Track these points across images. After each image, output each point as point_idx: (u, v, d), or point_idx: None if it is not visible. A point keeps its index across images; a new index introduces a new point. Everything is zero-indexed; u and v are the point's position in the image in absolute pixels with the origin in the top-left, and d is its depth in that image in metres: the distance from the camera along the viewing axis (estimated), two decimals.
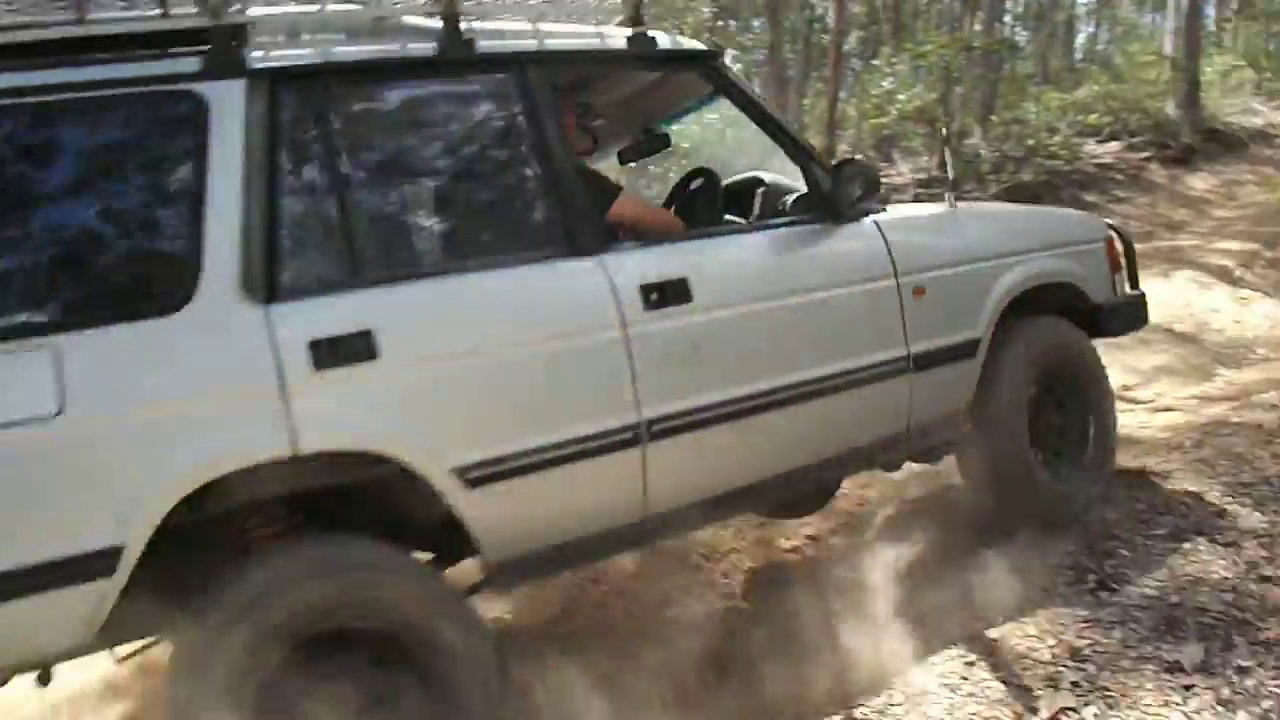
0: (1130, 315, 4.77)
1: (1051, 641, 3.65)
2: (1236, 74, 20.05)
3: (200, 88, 2.79)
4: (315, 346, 2.75)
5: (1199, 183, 15.24)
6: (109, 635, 2.65)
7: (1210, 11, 25.39)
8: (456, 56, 3.17)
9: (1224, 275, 10.06)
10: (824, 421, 3.64)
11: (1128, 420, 6.07)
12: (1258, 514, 4.68)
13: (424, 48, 3.14)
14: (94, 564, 2.47)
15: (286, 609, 2.60)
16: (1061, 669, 3.49)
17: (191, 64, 2.81)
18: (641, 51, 3.54)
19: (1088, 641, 3.62)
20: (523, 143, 3.27)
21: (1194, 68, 16.87)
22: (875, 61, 17.78)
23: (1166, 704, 3.28)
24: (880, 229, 3.85)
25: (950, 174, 5.98)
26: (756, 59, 21.09)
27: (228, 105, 2.80)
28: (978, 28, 17.65)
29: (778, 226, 3.75)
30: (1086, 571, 4.14)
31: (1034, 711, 3.29)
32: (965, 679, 3.47)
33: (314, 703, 2.60)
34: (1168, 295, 8.89)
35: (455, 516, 2.92)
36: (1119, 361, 6.47)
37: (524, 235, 3.29)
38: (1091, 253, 4.56)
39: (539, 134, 3.23)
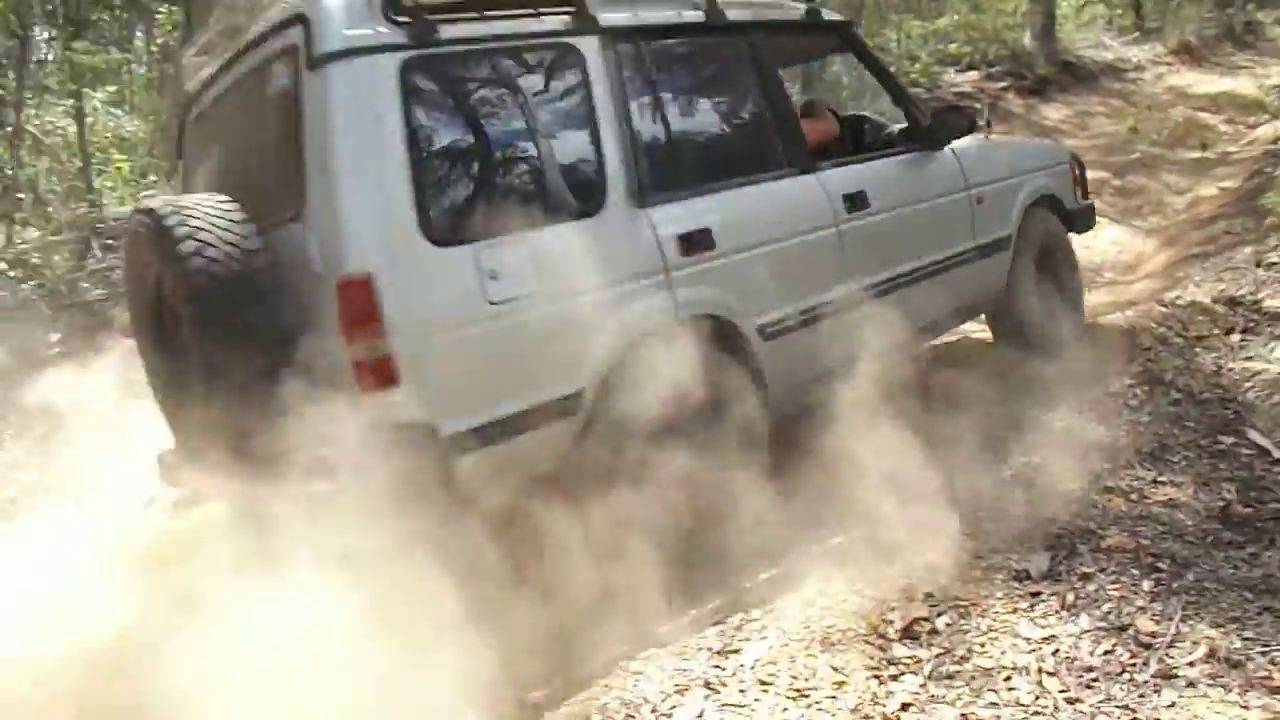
0: (1086, 218, 6.27)
1: (905, 555, 3.69)
2: (1089, 9, 20.70)
3: (575, 41, 3.67)
4: (682, 239, 3.78)
5: (1053, 113, 15.68)
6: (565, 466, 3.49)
7: None
8: (716, 23, 4.24)
9: None
10: (936, 291, 4.97)
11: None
12: (1102, 428, 4.85)
13: (696, 15, 4.20)
14: (566, 405, 3.40)
15: None
16: (915, 581, 3.53)
17: (564, 21, 3.67)
18: (814, 20, 4.88)
19: (939, 555, 3.66)
20: (765, 85, 4.38)
21: (1050, 2, 17.25)
22: None
23: (1015, 610, 3.35)
24: (956, 156, 5.15)
25: (986, 116, 7.08)
26: None
27: (593, 56, 3.70)
28: None
29: (903, 154, 5.00)
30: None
31: (889, 622, 3.32)
32: (822, 592, 3.48)
33: None
34: None
35: (757, 362, 3.99)
36: None
37: (777, 158, 4.33)
38: (1063, 171, 6.02)
39: (773, 80, 4.46)
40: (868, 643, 3.22)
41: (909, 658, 3.17)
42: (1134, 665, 3.04)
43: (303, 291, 3.10)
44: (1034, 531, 3.85)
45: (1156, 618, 3.25)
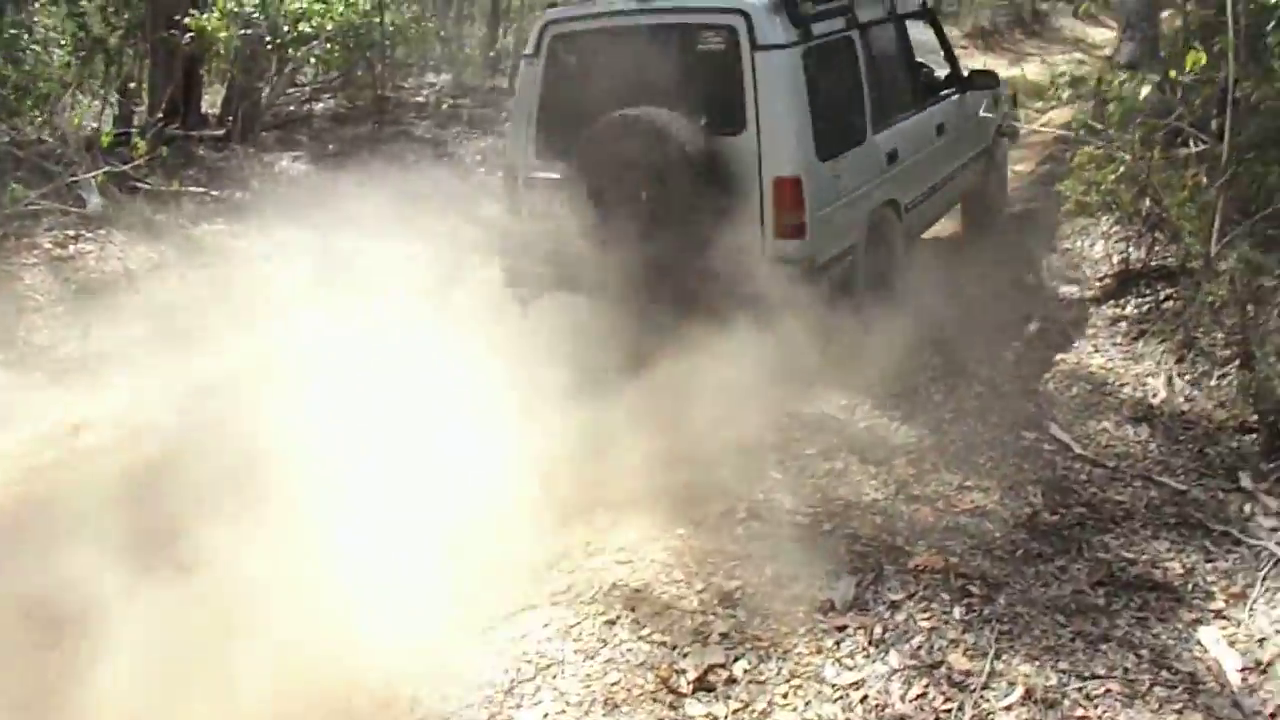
0: (1014, 130, 8.20)
1: (700, 586, 3.30)
2: None
3: (852, 35, 5.64)
4: (889, 155, 5.73)
5: None
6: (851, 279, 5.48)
7: None
8: (894, 15, 6.26)
9: None
10: (967, 176, 7.24)
11: None
12: (905, 427, 4.62)
13: (886, 10, 6.16)
14: (854, 248, 5.41)
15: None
16: (711, 618, 3.15)
17: (847, 21, 5.62)
18: (925, 7, 7.05)
19: (738, 583, 3.30)
20: (909, 52, 6.47)
21: None
22: None
23: (819, 651, 3.01)
24: (973, 98, 6.94)
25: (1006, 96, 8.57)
26: None
27: (858, 43, 5.69)
28: None
29: (954, 95, 6.94)
30: (737, 499, 3.84)
31: (681, 672, 2.91)
32: (604, 641, 3.03)
33: None
34: None
35: (907, 222, 6.06)
36: None
37: (912, 100, 6.36)
38: (1003, 95, 7.93)
39: (911, 48, 6.50)
40: (657, 700, 2.81)
41: (705, 716, 2.76)
42: (948, 713, 2.74)
43: (741, 179, 4.97)
44: (838, 549, 3.52)
45: (970, 652, 2.97)
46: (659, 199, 4.88)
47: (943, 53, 7.22)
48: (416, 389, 4.32)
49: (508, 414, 4.14)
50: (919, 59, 6.66)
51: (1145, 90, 5.05)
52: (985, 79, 7.20)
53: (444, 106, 12.34)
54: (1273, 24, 5.18)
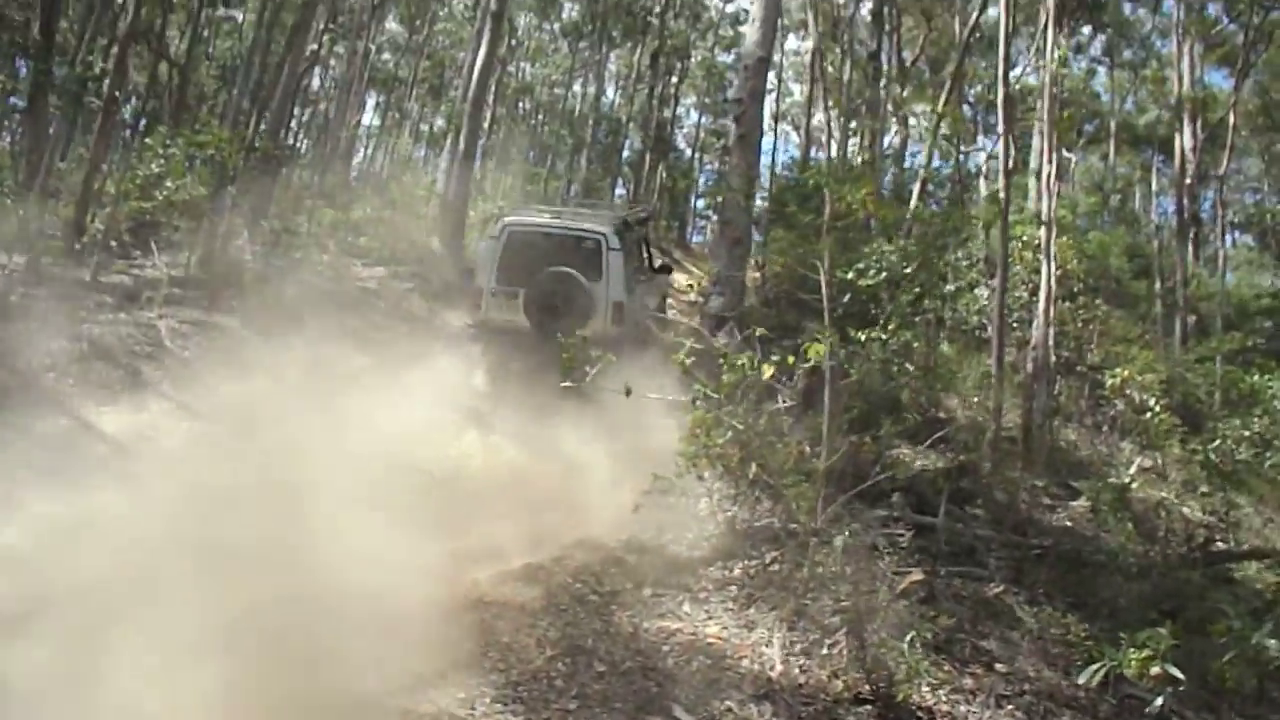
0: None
1: None
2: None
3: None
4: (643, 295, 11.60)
5: (454, 319, 15.80)
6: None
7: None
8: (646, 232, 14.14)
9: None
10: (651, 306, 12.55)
11: None
12: None
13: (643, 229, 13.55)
14: (636, 329, 11.21)
15: None
16: None
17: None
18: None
19: None
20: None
21: (461, 210, 17.78)
22: (149, 140, 15.75)
23: None
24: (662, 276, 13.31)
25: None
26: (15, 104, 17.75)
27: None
28: (263, 128, 16.75)
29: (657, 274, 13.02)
30: None
31: None
32: None
33: None
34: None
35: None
36: None
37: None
38: (669, 278, 14.76)
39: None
40: None
41: None
42: None
43: (600, 299, 9.78)
44: None
45: None
46: (564, 303, 9.67)
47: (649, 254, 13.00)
48: None
49: None
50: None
51: (768, 373, 5.24)
52: (664, 269, 13.79)
53: (12, 298, 10.64)
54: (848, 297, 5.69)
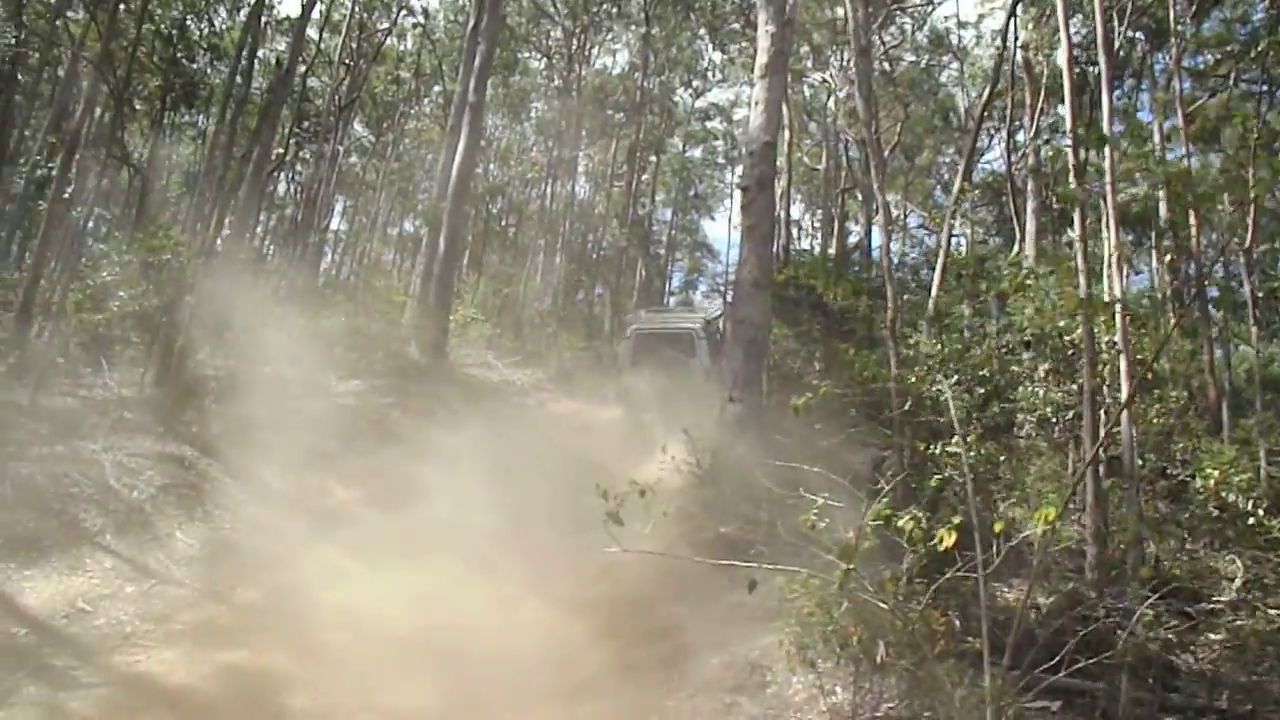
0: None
1: None
2: (476, 327, 20.56)
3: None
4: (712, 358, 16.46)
5: (449, 438, 14.37)
6: None
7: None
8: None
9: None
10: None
11: None
12: None
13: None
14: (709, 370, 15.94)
15: None
16: None
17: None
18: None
19: None
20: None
21: (444, 315, 16.53)
22: (104, 246, 14.40)
23: None
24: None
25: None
26: None
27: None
28: (226, 232, 15.50)
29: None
30: None
31: None
32: None
33: None
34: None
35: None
36: None
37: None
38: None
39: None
40: None
41: None
42: None
43: (696, 369, 14.92)
44: None
45: None
46: (673, 370, 13.98)
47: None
48: None
49: None
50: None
51: (949, 541, 3.88)
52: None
53: None
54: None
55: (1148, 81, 20.86)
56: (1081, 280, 7.96)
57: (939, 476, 4.58)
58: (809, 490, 4.64)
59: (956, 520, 3.89)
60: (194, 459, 9.49)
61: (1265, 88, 19.05)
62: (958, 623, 4.29)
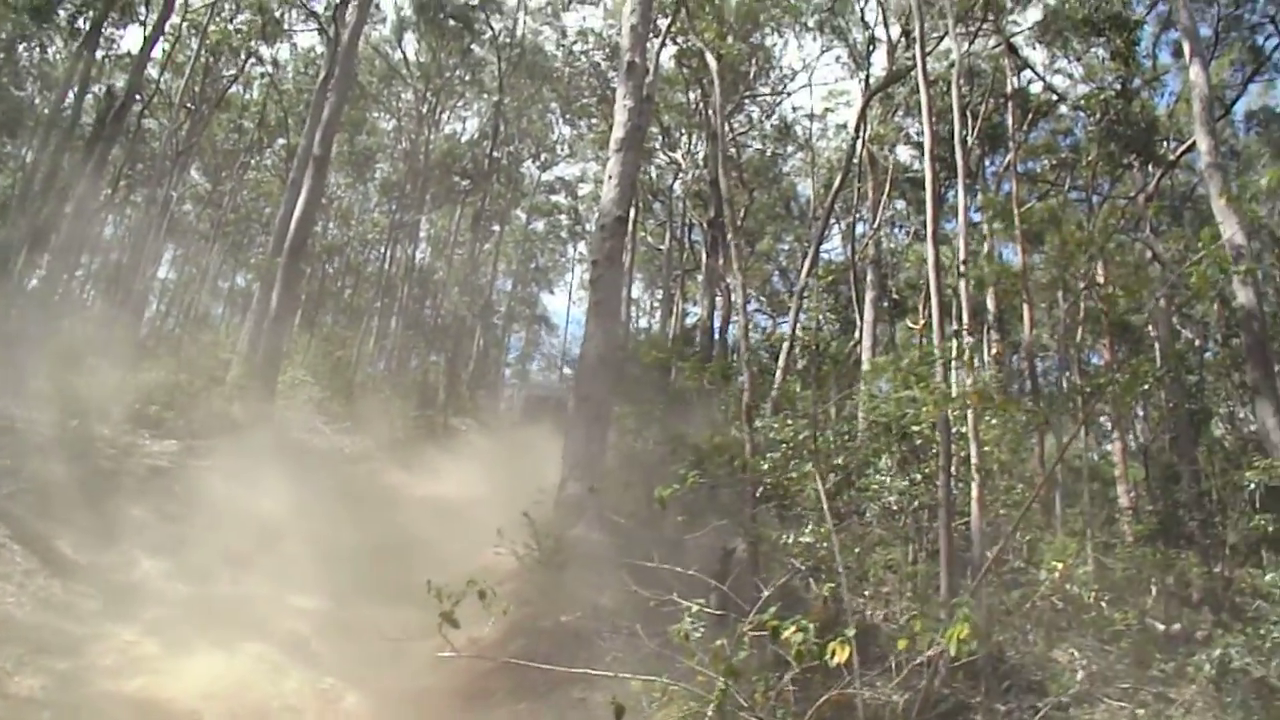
0: None
1: None
2: (305, 389, 19.58)
3: None
4: None
5: (270, 506, 13.48)
6: None
7: None
8: None
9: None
10: None
11: None
12: None
13: None
14: None
15: None
16: None
17: None
18: None
19: None
20: None
21: (273, 376, 15.72)
22: None
23: None
24: None
25: None
26: None
27: None
28: (41, 272, 14.40)
29: None
30: None
31: None
32: None
33: None
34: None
35: None
36: None
37: None
38: None
39: None
40: None
41: None
42: None
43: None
44: None
45: None
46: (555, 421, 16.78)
47: None
48: None
49: None
50: None
51: (843, 655, 3.70)
52: None
53: None
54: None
55: (979, 184, 22.03)
56: (938, 370, 8.08)
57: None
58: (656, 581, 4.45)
59: (850, 632, 3.74)
60: None
61: (1090, 194, 20.31)
62: None
